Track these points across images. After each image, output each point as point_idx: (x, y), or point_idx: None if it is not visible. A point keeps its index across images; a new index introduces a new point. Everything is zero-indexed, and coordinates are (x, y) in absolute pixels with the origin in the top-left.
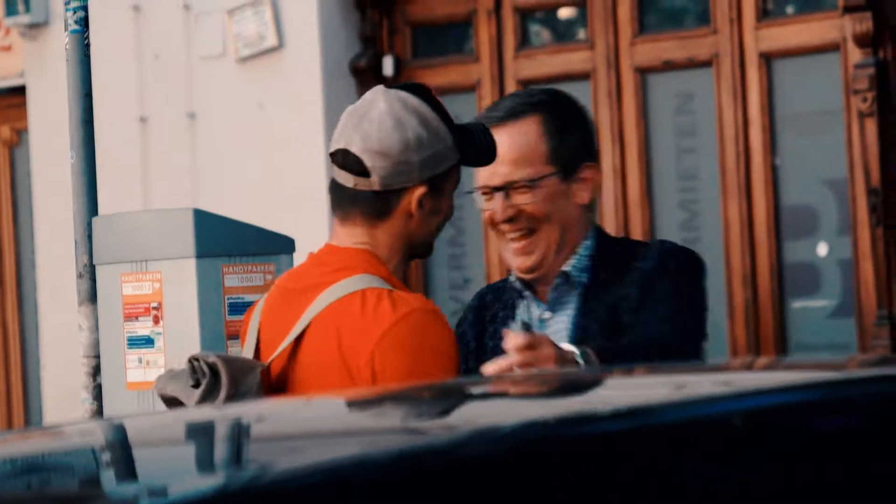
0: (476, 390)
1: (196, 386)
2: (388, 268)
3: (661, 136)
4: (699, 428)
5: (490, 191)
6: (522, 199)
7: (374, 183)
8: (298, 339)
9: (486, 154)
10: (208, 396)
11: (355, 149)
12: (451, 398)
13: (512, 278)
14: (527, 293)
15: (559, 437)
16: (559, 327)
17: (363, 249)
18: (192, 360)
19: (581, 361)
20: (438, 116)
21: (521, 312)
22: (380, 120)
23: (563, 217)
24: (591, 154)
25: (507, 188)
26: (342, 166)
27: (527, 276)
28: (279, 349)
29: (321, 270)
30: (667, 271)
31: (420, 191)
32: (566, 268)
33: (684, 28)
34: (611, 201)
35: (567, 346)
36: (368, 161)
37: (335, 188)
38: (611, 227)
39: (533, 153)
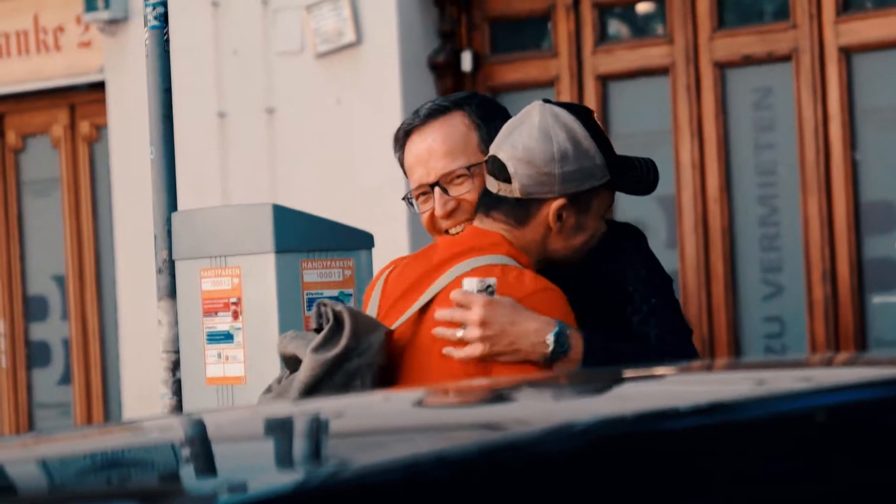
0: (553, 386)
1: (318, 330)
2: (523, 255)
3: (740, 131)
4: (780, 424)
5: (428, 189)
6: (461, 190)
7: (516, 190)
8: (425, 308)
9: (645, 183)
10: (327, 343)
11: (503, 155)
12: (529, 393)
13: None
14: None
15: (638, 434)
16: None
17: (503, 236)
18: (321, 305)
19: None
20: (591, 136)
21: None
22: (529, 130)
23: None
24: None
25: (442, 181)
26: (490, 172)
27: None
28: (406, 315)
29: (458, 248)
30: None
31: (558, 203)
32: None
33: (763, 23)
34: (690, 196)
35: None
36: (512, 168)
37: (484, 193)
38: (690, 222)
39: (465, 143)
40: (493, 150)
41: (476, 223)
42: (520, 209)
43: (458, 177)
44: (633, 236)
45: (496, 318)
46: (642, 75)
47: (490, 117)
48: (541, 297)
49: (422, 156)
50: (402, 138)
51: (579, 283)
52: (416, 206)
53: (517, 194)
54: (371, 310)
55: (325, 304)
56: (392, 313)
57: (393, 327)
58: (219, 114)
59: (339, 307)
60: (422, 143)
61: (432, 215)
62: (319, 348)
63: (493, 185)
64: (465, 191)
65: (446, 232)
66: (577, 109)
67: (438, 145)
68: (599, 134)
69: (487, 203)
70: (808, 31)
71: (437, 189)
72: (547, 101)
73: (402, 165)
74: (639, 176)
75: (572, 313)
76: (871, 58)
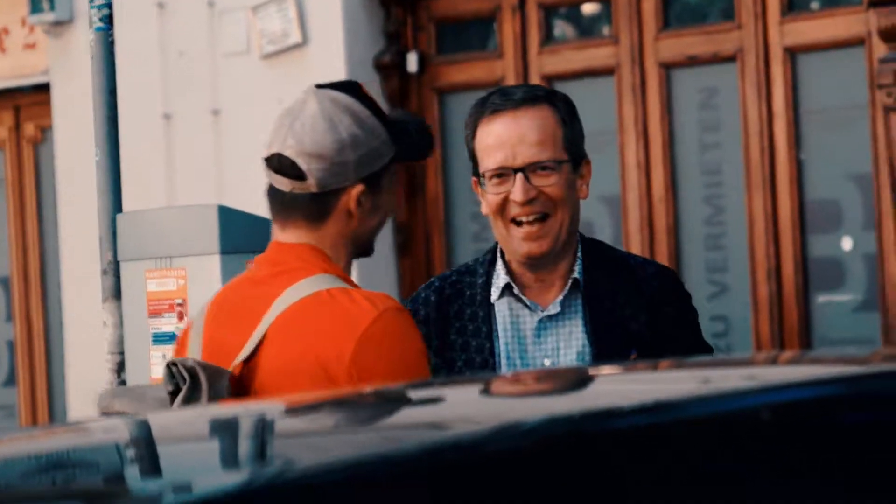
0: (496, 385)
1: (175, 391)
2: (339, 267)
3: (686, 132)
4: (724, 423)
5: (510, 172)
6: (545, 182)
7: (312, 185)
8: (260, 343)
9: (422, 148)
10: (189, 402)
11: (290, 152)
12: (470, 393)
13: (500, 272)
14: (515, 292)
15: (583, 432)
16: (568, 332)
17: (314, 246)
18: (171, 366)
19: None
20: (372, 112)
21: (503, 311)
22: (312, 121)
23: (572, 206)
24: (585, 152)
25: (528, 169)
26: (277, 171)
27: (532, 262)
28: (242, 353)
29: (275, 270)
30: (672, 300)
31: (358, 189)
32: (576, 275)
33: (709, 23)
34: (635, 196)
35: None
36: (304, 164)
37: (272, 193)
38: (635, 222)
39: (553, 137)
40: (276, 147)
41: (277, 235)
42: (318, 205)
43: (545, 168)
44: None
45: None
46: (588, 76)
47: (573, 117)
48: (379, 327)
49: (510, 139)
50: (482, 116)
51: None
52: (485, 186)
53: (314, 189)
54: (194, 342)
55: (175, 364)
56: (227, 339)
57: (231, 367)
58: (164, 115)
59: (189, 363)
60: (513, 125)
61: (505, 199)
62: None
63: (284, 184)
64: (549, 184)
65: (513, 221)
66: (348, 87)
67: (532, 132)
68: (374, 106)
69: (283, 205)
70: (753, 31)
71: (520, 175)
72: (319, 86)
73: (470, 141)
74: (414, 138)
75: (420, 334)
76: (816, 58)
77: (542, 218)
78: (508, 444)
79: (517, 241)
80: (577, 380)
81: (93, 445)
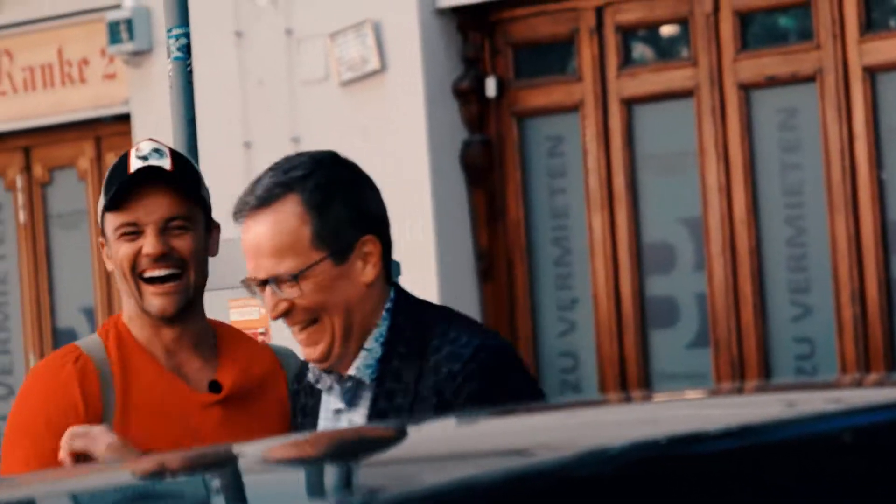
0: (578, 411)
1: None
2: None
3: (766, 153)
4: (810, 446)
5: (259, 284)
6: (291, 293)
7: None
8: None
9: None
10: None
11: None
12: (552, 419)
13: (310, 369)
14: (327, 383)
15: (669, 457)
16: (357, 422)
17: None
18: None
19: None
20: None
21: (325, 402)
22: None
23: (345, 302)
24: (367, 224)
25: (272, 282)
26: None
27: (320, 367)
28: None
29: None
30: (462, 389)
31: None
32: (352, 371)
33: (787, 43)
34: (717, 219)
35: None
36: None
37: None
38: (717, 244)
39: (294, 241)
40: None
41: None
42: None
43: (288, 280)
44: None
45: None
46: (667, 98)
47: (327, 203)
48: None
49: (250, 249)
50: (237, 218)
51: None
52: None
53: None
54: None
55: None
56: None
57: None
58: (244, 144)
59: None
60: (250, 233)
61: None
62: None
63: None
64: (295, 295)
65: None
66: None
67: (265, 242)
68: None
69: None
70: (832, 51)
71: (268, 288)
72: None
73: None
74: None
75: None
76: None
77: (310, 323)
78: (593, 470)
79: (299, 346)
80: (661, 404)
81: (178, 476)
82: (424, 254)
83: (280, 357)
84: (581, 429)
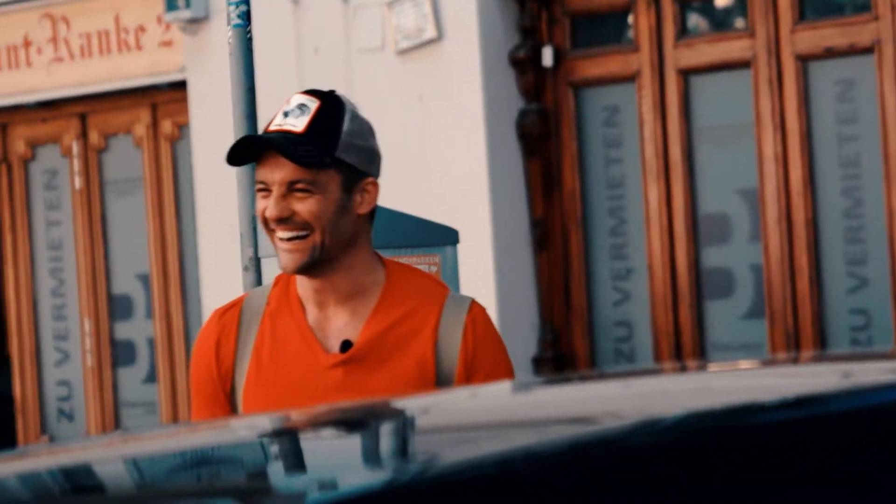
0: (641, 379)
1: None
2: None
3: (823, 124)
4: (865, 416)
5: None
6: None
7: None
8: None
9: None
10: None
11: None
12: (619, 387)
13: None
14: None
15: (725, 427)
16: None
17: None
18: None
19: None
20: None
21: None
22: None
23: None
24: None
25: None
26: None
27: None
28: None
29: None
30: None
31: None
32: None
33: (845, 15)
34: (773, 189)
35: None
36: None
37: None
38: (773, 215)
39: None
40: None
41: None
42: None
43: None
44: None
45: None
46: (724, 69)
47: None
48: None
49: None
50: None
51: None
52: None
53: None
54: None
55: None
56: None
57: None
58: None
59: None
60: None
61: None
62: None
63: None
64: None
65: None
66: None
67: None
68: None
69: None
70: (891, 21)
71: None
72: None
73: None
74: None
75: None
76: None
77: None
78: (649, 440)
79: None
80: (717, 374)
81: (235, 442)
82: (480, 223)
83: (447, 307)
84: (637, 398)
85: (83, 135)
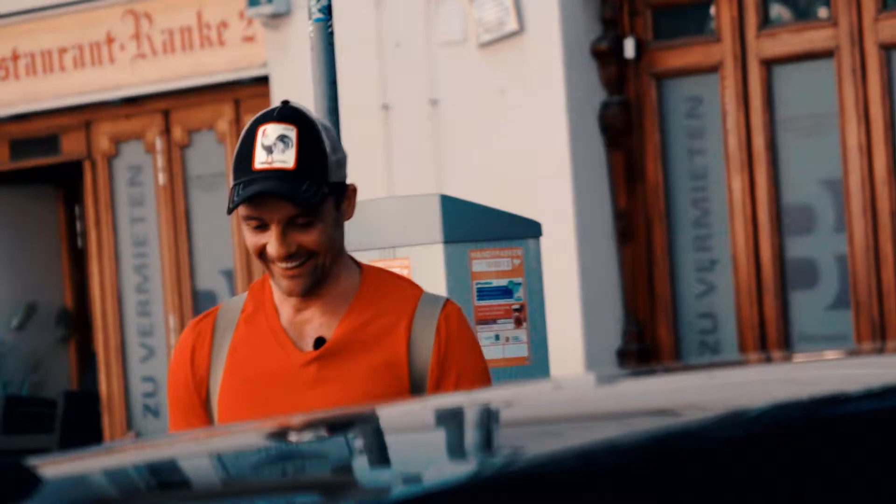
0: (726, 371)
1: None
2: None
3: None
4: None
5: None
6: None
7: None
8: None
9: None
10: None
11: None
12: (701, 379)
13: None
14: None
15: (811, 418)
16: None
17: None
18: None
19: None
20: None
21: None
22: None
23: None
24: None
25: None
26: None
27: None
28: None
29: None
30: None
31: None
32: None
33: None
34: (857, 179)
35: None
36: None
37: None
38: (858, 205)
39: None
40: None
41: None
42: None
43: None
44: None
45: None
46: (806, 58)
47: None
48: None
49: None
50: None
51: None
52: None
53: None
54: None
55: None
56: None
57: None
58: (383, 106)
59: None
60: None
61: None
62: None
63: None
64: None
65: None
66: None
67: None
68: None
69: None
70: None
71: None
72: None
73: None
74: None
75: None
76: None
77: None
78: (735, 431)
79: None
80: (802, 365)
81: (322, 437)
82: (563, 216)
83: (421, 305)
84: (723, 390)
85: (166, 131)
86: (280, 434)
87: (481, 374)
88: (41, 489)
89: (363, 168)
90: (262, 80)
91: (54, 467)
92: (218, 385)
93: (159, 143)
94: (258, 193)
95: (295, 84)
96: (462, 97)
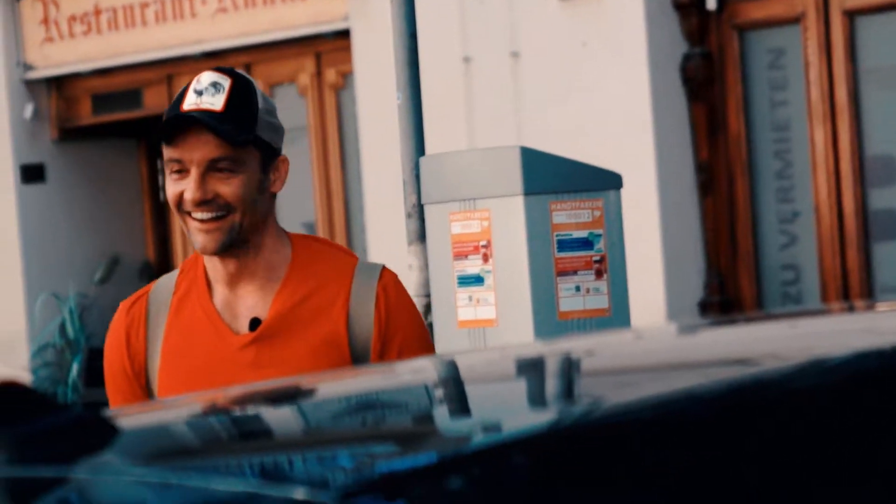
0: (807, 320)
1: None
2: None
3: None
4: None
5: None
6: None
7: None
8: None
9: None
10: None
11: None
12: (779, 328)
13: None
14: None
15: (892, 367)
16: None
17: None
18: None
19: None
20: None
21: None
22: None
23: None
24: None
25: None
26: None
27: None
28: None
29: None
30: None
31: None
32: None
33: None
34: None
35: None
36: None
37: None
38: None
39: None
40: None
41: None
42: None
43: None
44: None
45: None
46: (890, 9)
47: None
48: None
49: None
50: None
51: None
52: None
53: None
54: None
55: None
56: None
57: None
58: (464, 58)
59: None
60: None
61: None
62: None
63: None
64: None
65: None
66: None
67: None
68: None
69: None
70: None
71: (195, 171)
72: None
73: None
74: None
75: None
76: None
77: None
78: (816, 380)
79: None
80: (885, 315)
81: (401, 386)
82: (645, 168)
83: (357, 277)
84: (803, 339)
85: None
86: (361, 384)
87: (422, 341)
88: (122, 440)
89: (444, 121)
90: (344, 34)
91: (134, 418)
92: (157, 373)
93: None
94: (177, 118)
95: (376, 37)
96: (544, 51)
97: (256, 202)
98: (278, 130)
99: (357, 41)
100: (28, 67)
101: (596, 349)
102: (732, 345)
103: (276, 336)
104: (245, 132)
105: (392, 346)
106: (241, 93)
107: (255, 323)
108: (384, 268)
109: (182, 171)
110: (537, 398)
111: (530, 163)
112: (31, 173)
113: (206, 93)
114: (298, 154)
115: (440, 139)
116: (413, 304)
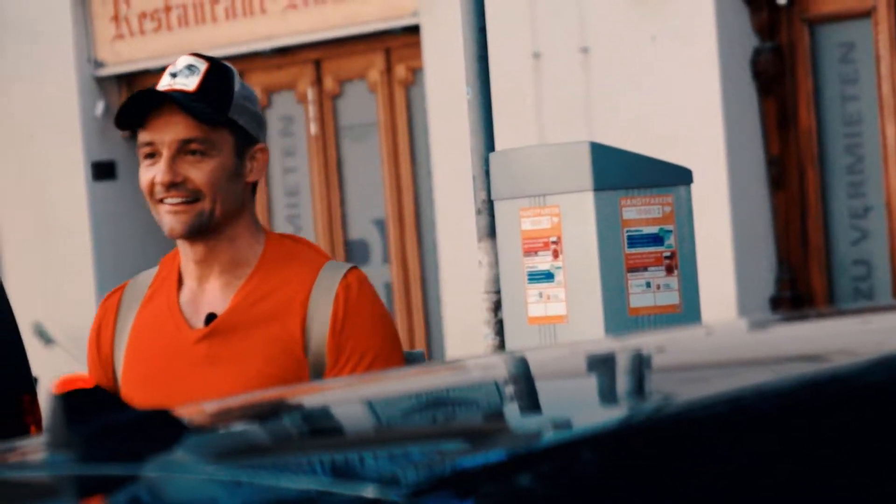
0: (879, 316)
1: None
2: None
3: None
4: None
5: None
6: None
7: None
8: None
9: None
10: None
11: None
12: (851, 324)
13: None
14: None
15: None
16: None
17: None
18: None
19: None
20: None
21: None
22: None
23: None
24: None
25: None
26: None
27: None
28: None
29: None
30: None
31: None
32: None
33: None
34: None
35: None
36: None
37: None
38: None
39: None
40: None
41: None
42: None
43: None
44: None
45: None
46: None
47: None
48: None
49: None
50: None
51: None
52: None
53: None
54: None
55: None
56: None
57: None
58: (533, 54)
59: None
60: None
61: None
62: None
63: None
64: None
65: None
66: None
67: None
68: None
69: None
70: None
71: (167, 153)
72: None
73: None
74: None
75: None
76: None
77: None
78: (887, 377)
79: None
80: None
81: (471, 383)
82: (715, 162)
83: (321, 275)
84: (875, 335)
85: (318, 81)
86: (430, 380)
87: (385, 343)
88: (191, 438)
89: (513, 116)
90: (413, 30)
91: (203, 416)
92: (121, 366)
93: (311, 94)
94: (144, 94)
95: (445, 32)
96: (613, 45)
97: (228, 190)
98: (257, 118)
99: (426, 37)
100: (99, 64)
101: (666, 345)
102: (803, 341)
103: (232, 332)
104: (217, 113)
105: (345, 351)
106: (217, 76)
107: (209, 318)
108: (353, 268)
109: (154, 156)
110: (607, 395)
111: (600, 158)
112: (102, 170)
113: (180, 74)
114: (368, 150)
115: (510, 135)
116: (379, 306)
